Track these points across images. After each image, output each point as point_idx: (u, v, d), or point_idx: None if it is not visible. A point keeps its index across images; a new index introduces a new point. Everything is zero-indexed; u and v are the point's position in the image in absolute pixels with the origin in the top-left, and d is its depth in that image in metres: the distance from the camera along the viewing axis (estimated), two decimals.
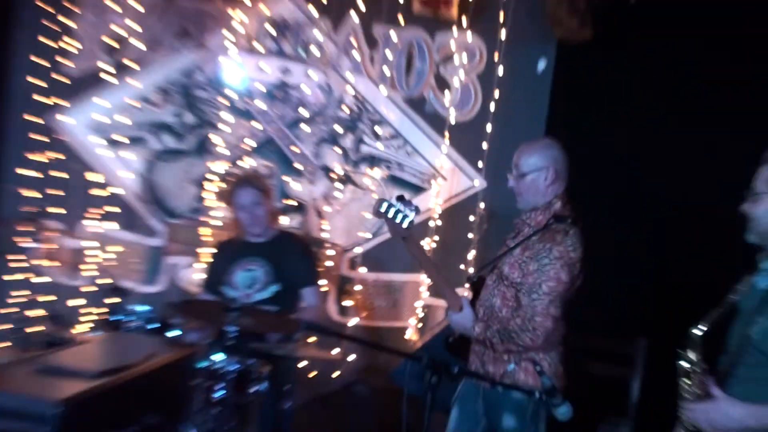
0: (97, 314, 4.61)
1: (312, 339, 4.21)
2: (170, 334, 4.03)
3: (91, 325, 4.70)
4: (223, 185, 4.76)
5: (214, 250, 4.35)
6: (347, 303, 4.78)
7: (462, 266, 4.68)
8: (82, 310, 4.78)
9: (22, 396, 2.41)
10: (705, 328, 2.43)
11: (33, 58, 4.66)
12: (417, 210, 3.22)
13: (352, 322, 4.75)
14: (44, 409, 2.31)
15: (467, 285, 3.38)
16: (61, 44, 4.73)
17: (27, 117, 4.62)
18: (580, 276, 3.12)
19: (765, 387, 2.36)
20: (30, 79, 4.68)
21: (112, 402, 2.71)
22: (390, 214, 3.16)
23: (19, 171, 4.68)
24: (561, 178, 3.14)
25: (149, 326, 4.03)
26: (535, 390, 2.57)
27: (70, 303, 4.75)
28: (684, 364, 2.47)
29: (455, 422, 3.35)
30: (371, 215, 3.89)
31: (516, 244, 3.13)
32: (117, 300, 4.22)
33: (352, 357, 4.57)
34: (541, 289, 2.97)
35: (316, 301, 4.08)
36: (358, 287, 4.79)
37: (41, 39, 4.69)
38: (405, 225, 3.15)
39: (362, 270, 4.80)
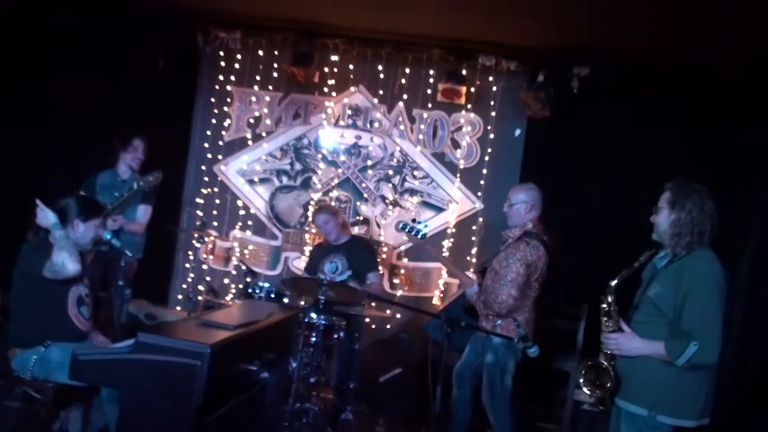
0: (238, 288, 5.74)
1: (373, 304, 5.18)
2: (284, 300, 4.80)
3: (231, 293, 5.99)
4: (309, 212, 5.87)
5: (312, 249, 5.58)
6: (395, 281, 5.93)
7: (468, 258, 5.82)
8: (227, 285, 6.09)
9: (187, 341, 2.68)
10: (617, 281, 3.03)
11: (206, 132, 6.19)
12: (426, 226, 4.17)
13: (399, 293, 5.90)
14: (200, 349, 2.60)
15: (477, 271, 4.28)
16: (221, 122, 6.17)
17: (201, 167, 6.21)
18: (538, 270, 3.98)
19: (656, 327, 2.94)
20: (204, 144, 6.16)
21: (244, 344, 3.01)
22: (406, 229, 4.39)
23: (196, 200, 6.17)
24: (536, 209, 4.08)
25: (271, 296, 4.84)
26: (513, 338, 3.41)
27: (220, 280, 6.08)
28: (604, 306, 3.02)
29: (466, 355, 4.33)
30: (395, 230, 5.35)
31: (503, 249, 4.12)
32: (250, 279, 4.97)
33: (398, 315, 5.79)
34: (506, 278, 3.92)
35: (377, 280, 5.26)
36: (402, 271, 5.94)
37: (210, 119, 6.16)
38: (419, 236, 4.32)
39: (405, 260, 5.97)
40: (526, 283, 4.00)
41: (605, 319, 3.03)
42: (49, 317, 3.47)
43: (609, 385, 3.02)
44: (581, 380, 3.12)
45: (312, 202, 6.10)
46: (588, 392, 3.10)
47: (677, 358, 2.83)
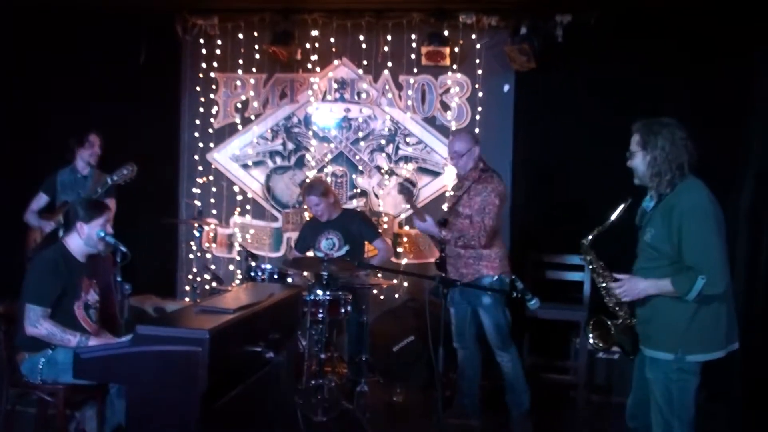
0: (241, 273, 5.74)
1: (379, 275, 5.21)
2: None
3: (238, 279, 5.97)
4: (300, 192, 5.82)
5: (304, 224, 5.45)
6: (399, 249, 5.96)
7: None
8: (233, 271, 6.16)
9: (186, 328, 2.74)
10: (590, 238, 3.11)
11: (195, 121, 6.20)
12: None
13: (404, 261, 5.94)
14: (199, 335, 2.63)
15: (439, 224, 4.25)
16: (209, 110, 6.18)
17: (194, 156, 6.25)
18: (506, 200, 4.29)
19: (661, 271, 2.93)
20: (194, 133, 6.20)
21: (246, 327, 3.03)
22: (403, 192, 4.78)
23: (192, 190, 6.21)
24: (478, 149, 4.29)
25: (274, 277, 4.84)
26: (505, 289, 3.67)
27: (225, 268, 6.19)
28: (588, 266, 3.13)
29: (455, 312, 4.42)
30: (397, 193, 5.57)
31: (463, 192, 4.28)
32: (253, 263, 4.94)
33: (405, 284, 5.83)
34: (484, 210, 4.14)
35: (384, 245, 5.19)
36: (405, 239, 5.98)
37: (197, 108, 6.19)
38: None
39: (406, 228, 5.99)
40: (498, 214, 4.24)
41: (596, 276, 3.09)
42: (57, 320, 3.48)
43: (611, 341, 3.06)
44: (590, 337, 3.16)
45: (308, 180, 6.11)
46: (599, 347, 3.15)
47: (687, 293, 2.82)
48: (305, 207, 6.01)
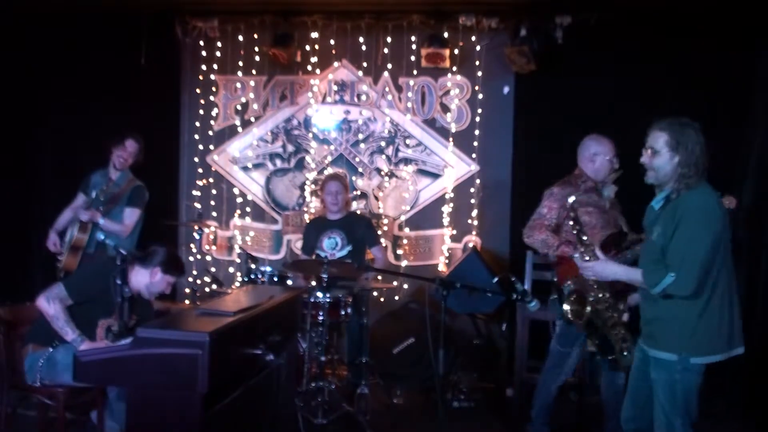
0: (241, 275, 5.77)
1: (379, 277, 5.37)
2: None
3: (238, 282, 5.97)
4: (320, 179, 5.79)
5: (306, 226, 5.44)
6: (399, 252, 5.97)
7: (469, 221, 5.83)
8: (233, 274, 6.13)
9: (186, 331, 2.70)
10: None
11: (195, 123, 6.19)
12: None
13: (404, 263, 5.95)
14: (199, 338, 2.60)
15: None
16: (209, 112, 6.17)
17: (194, 159, 6.23)
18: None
19: (655, 264, 2.96)
20: (194, 136, 6.19)
21: (247, 329, 3.00)
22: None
23: (192, 192, 6.18)
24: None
25: (274, 279, 4.84)
26: (512, 294, 3.33)
27: (225, 270, 6.16)
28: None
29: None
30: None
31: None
32: (253, 265, 4.92)
33: (405, 286, 5.83)
34: None
35: (381, 255, 5.29)
36: (405, 241, 5.97)
37: (197, 110, 6.18)
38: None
39: (406, 230, 5.99)
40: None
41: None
42: (77, 326, 3.49)
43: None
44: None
45: (308, 182, 6.14)
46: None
47: (653, 286, 2.88)
48: (306, 209, 6.08)
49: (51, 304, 3.43)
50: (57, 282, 3.51)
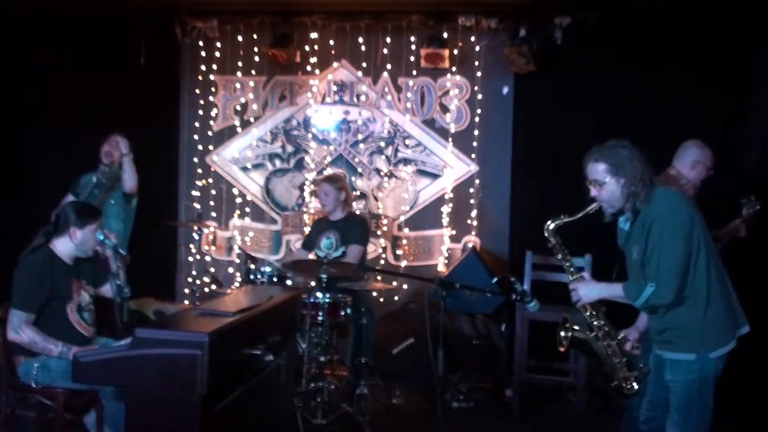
0: (240, 276, 5.80)
1: (378, 277, 5.46)
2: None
3: (237, 282, 5.95)
4: (319, 179, 5.62)
5: (311, 224, 5.53)
6: (399, 252, 5.94)
7: (468, 221, 5.81)
8: (233, 274, 6.12)
9: (185, 331, 2.72)
10: (553, 224, 3.19)
11: (194, 123, 6.20)
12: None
13: (404, 263, 5.94)
14: (198, 338, 2.61)
15: None
16: (208, 112, 6.18)
17: (193, 159, 6.24)
18: None
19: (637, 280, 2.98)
20: (193, 136, 6.20)
21: (246, 329, 3.02)
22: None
23: (191, 192, 6.19)
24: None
25: (273, 280, 4.83)
26: (511, 294, 3.33)
27: (225, 270, 6.17)
28: (555, 253, 3.22)
29: None
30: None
31: None
32: (252, 266, 4.92)
33: (405, 286, 5.81)
34: None
35: (355, 253, 4.96)
36: (404, 241, 5.96)
37: (196, 110, 6.19)
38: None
39: (406, 230, 5.98)
40: None
41: (566, 264, 3.15)
42: (50, 325, 3.46)
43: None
44: (562, 333, 3.19)
45: (307, 183, 6.14)
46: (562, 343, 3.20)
47: (635, 299, 2.92)
48: (305, 209, 6.08)
49: (21, 333, 3.38)
50: (9, 310, 3.43)
